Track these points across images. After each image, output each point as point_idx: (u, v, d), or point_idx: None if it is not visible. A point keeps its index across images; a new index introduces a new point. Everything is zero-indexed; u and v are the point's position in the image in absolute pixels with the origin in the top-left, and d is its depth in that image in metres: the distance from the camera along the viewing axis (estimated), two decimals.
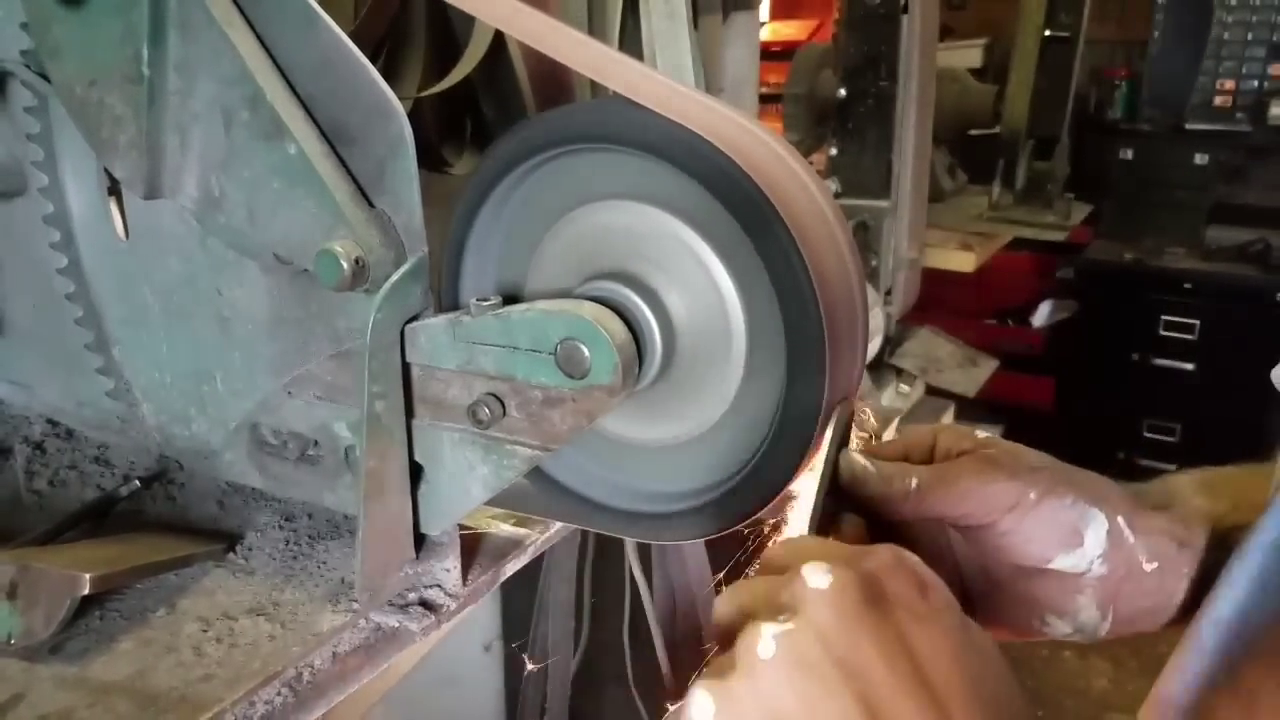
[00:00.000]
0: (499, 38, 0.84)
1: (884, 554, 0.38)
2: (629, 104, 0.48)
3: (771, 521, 0.54)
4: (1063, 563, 0.50)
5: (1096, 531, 0.49)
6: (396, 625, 0.59)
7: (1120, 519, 0.50)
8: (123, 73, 0.52)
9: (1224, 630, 0.41)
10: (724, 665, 0.36)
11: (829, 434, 0.49)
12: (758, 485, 0.51)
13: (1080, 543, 0.49)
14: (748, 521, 0.53)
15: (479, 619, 1.47)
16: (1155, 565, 0.50)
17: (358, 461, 0.55)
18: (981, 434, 0.53)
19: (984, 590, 0.53)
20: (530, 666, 1.32)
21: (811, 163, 0.79)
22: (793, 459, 0.50)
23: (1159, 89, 3.16)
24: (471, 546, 0.64)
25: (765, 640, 0.34)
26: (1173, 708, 0.41)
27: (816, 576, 0.36)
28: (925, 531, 0.48)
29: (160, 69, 0.52)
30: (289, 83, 0.51)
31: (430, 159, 0.91)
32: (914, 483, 0.48)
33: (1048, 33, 2.37)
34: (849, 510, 0.50)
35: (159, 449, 0.67)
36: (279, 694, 0.53)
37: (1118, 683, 2.38)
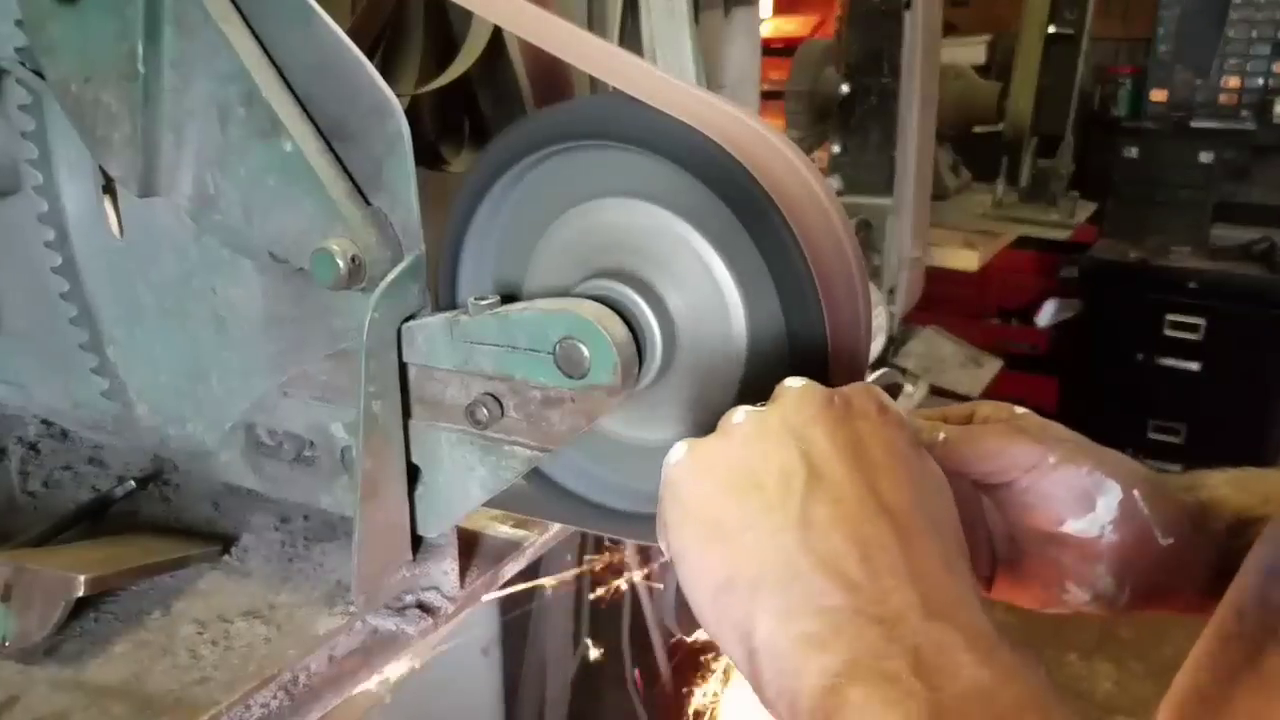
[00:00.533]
0: (497, 34, 0.83)
1: (858, 385, 0.44)
2: (629, 101, 0.47)
3: None
4: (1074, 526, 0.51)
5: (1109, 500, 0.51)
6: (393, 628, 0.58)
7: (1136, 492, 0.51)
8: (118, 70, 0.52)
9: (1247, 618, 0.41)
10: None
11: None
12: None
13: (1092, 508, 0.51)
14: None
15: (477, 622, 1.46)
16: (1171, 542, 0.51)
17: (354, 462, 0.55)
18: (1020, 410, 0.55)
19: (1009, 556, 0.55)
20: (528, 670, 1.31)
21: (814, 160, 0.78)
22: None
23: (1163, 87, 3.15)
24: (469, 548, 0.64)
25: (739, 413, 0.42)
26: (1194, 695, 0.42)
27: (793, 380, 0.42)
28: (957, 490, 0.49)
29: (156, 66, 0.52)
30: (285, 80, 0.50)
31: (428, 156, 0.90)
32: (941, 436, 0.51)
33: (1052, 30, 2.36)
34: None
35: (154, 449, 0.67)
36: (275, 697, 0.53)
37: (1122, 685, 2.37)
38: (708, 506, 0.40)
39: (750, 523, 0.38)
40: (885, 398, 0.44)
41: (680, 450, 0.42)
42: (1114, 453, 0.54)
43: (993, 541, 0.55)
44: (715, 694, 1.13)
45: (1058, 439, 0.53)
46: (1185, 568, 0.51)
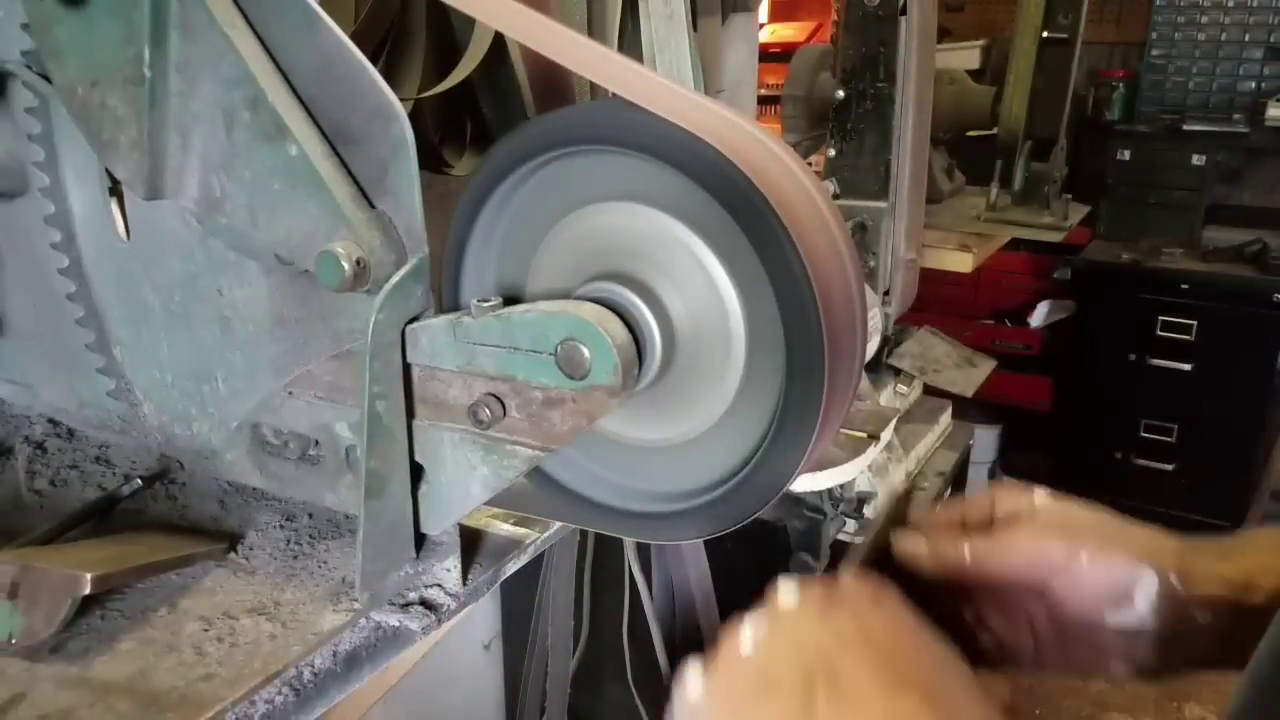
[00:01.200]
0: (499, 39, 0.84)
1: (845, 579, 0.46)
2: (628, 106, 0.48)
3: None
4: (1113, 618, 0.51)
5: (1146, 590, 0.51)
6: (397, 624, 0.59)
7: (1172, 575, 0.51)
8: (124, 74, 0.52)
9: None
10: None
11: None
12: (757, 485, 0.52)
13: (1130, 601, 0.51)
14: (746, 521, 0.53)
15: (479, 618, 1.47)
16: (1211, 618, 0.50)
17: (358, 461, 0.56)
18: (1039, 493, 0.55)
19: (1052, 637, 0.55)
20: (529, 666, 1.32)
21: (810, 164, 0.79)
22: (792, 459, 0.50)
23: (1156, 90, 3.17)
24: (471, 546, 0.64)
25: (745, 642, 0.43)
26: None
27: (786, 590, 0.44)
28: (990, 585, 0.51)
29: (162, 70, 0.52)
30: (290, 84, 0.51)
31: (431, 160, 0.91)
32: (966, 552, 0.52)
33: (1045, 34, 2.37)
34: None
35: (160, 449, 0.67)
36: (280, 693, 0.53)
37: (1116, 683, 2.38)
38: None
39: None
40: (870, 585, 0.46)
41: (695, 679, 0.43)
42: (1143, 530, 0.53)
43: (1034, 625, 0.55)
44: None
45: (1084, 528, 0.53)
46: (1229, 640, 0.50)
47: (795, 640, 0.42)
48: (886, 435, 1.32)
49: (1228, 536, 0.54)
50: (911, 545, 0.54)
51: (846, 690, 0.39)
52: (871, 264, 1.58)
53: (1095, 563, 0.51)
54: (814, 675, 0.40)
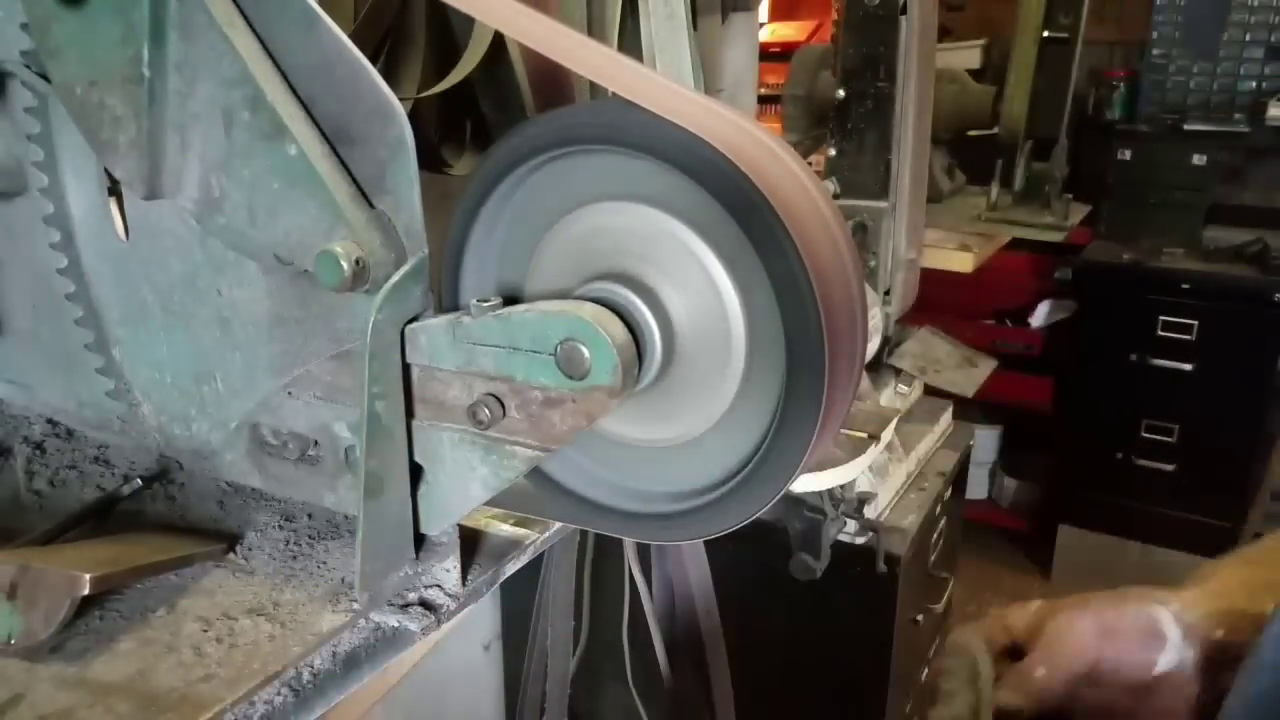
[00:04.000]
0: (499, 39, 0.84)
1: None
2: (628, 105, 0.48)
3: None
4: (1165, 663, 0.53)
5: (1168, 622, 0.52)
6: (396, 625, 0.59)
7: (1174, 605, 0.53)
8: (123, 73, 0.52)
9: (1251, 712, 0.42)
10: None
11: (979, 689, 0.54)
12: (757, 486, 0.52)
13: (1164, 638, 0.52)
14: (746, 522, 0.53)
15: (478, 619, 1.47)
16: (1223, 632, 0.52)
17: (358, 462, 0.55)
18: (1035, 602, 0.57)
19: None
20: (529, 666, 1.32)
21: (810, 163, 0.79)
22: (792, 459, 0.50)
23: (1157, 90, 3.17)
24: (471, 547, 0.64)
25: None
26: None
27: None
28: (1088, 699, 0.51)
29: (161, 69, 0.52)
30: (289, 84, 0.51)
31: (430, 159, 0.91)
32: (1020, 707, 0.53)
33: (1046, 34, 2.37)
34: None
35: (159, 449, 0.67)
36: (279, 694, 0.53)
37: None
38: None
39: None
40: None
41: None
42: (1133, 587, 0.56)
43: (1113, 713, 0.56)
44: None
45: (1085, 598, 0.55)
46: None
47: None
48: (887, 435, 1.32)
49: (1201, 565, 0.56)
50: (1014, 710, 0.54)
51: None
52: (872, 264, 1.58)
53: (1115, 615, 0.53)
54: None
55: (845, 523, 1.49)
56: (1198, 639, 0.52)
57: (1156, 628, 0.52)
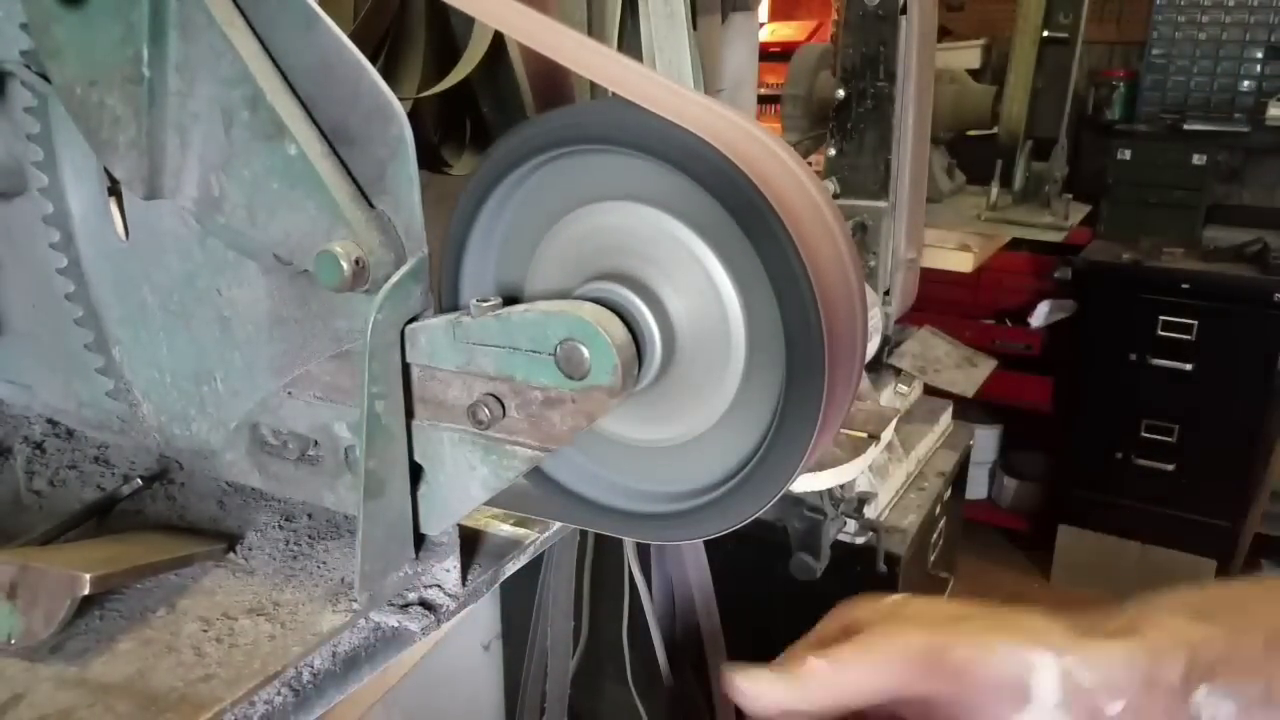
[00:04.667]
0: (499, 39, 0.84)
1: None
2: (628, 105, 0.48)
3: None
4: None
5: (1044, 679, 0.41)
6: (396, 625, 0.59)
7: (1070, 658, 0.41)
8: (123, 73, 0.52)
9: None
10: None
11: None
12: (757, 485, 0.52)
13: (1029, 697, 0.41)
14: (746, 522, 0.53)
15: (478, 619, 1.47)
16: (1121, 705, 0.40)
17: (358, 462, 0.55)
18: (897, 597, 0.46)
19: None
20: (529, 666, 1.32)
21: (810, 163, 0.79)
22: (792, 459, 0.50)
23: (1157, 90, 3.17)
24: (471, 546, 0.64)
25: None
26: None
27: None
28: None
29: (160, 69, 0.52)
30: (289, 83, 0.51)
31: (430, 159, 0.91)
32: (814, 666, 0.43)
33: (1046, 34, 2.37)
34: None
35: (159, 449, 0.67)
36: (279, 694, 0.53)
37: None
38: None
39: None
40: None
41: None
42: (1021, 613, 0.43)
43: None
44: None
45: (949, 619, 0.43)
46: None
47: None
48: (887, 435, 1.32)
49: (1131, 602, 0.44)
50: (749, 684, 0.43)
51: None
52: (872, 264, 1.58)
53: (974, 657, 0.41)
54: None
55: (845, 523, 1.49)
56: (1084, 711, 0.40)
57: (1022, 682, 0.41)
